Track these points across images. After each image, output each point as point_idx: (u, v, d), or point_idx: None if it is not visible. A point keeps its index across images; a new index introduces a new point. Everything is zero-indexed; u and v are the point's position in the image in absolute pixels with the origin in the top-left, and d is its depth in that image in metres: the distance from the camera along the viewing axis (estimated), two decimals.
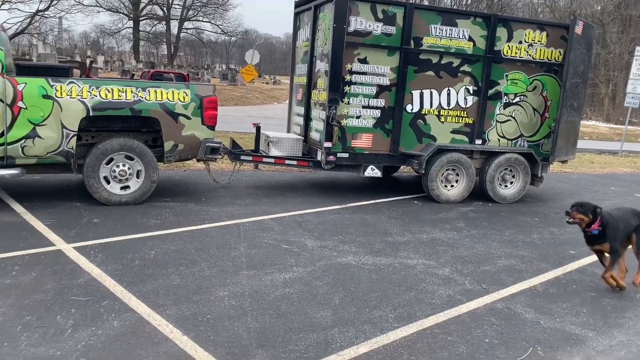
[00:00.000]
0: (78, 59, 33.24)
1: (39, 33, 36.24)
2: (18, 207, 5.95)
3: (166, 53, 58.49)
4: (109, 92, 6.02)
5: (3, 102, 5.57)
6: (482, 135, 7.81)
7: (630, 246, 4.69)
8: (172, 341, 3.32)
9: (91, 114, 5.95)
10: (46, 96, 5.75)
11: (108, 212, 5.99)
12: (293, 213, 6.56)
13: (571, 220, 4.47)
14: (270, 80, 46.90)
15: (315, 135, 7.77)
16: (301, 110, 8.27)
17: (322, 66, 7.47)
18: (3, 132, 5.61)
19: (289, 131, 8.88)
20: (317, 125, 7.65)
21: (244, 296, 4.04)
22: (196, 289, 4.12)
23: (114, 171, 6.24)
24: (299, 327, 3.60)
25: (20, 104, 5.65)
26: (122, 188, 6.32)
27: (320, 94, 7.52)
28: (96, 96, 5.96)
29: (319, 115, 7.60)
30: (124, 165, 6.27)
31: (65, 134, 5.87)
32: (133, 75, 10.72)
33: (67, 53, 40.87)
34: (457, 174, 7.74)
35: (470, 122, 7.75)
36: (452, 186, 7.76)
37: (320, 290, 4.23)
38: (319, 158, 7.41)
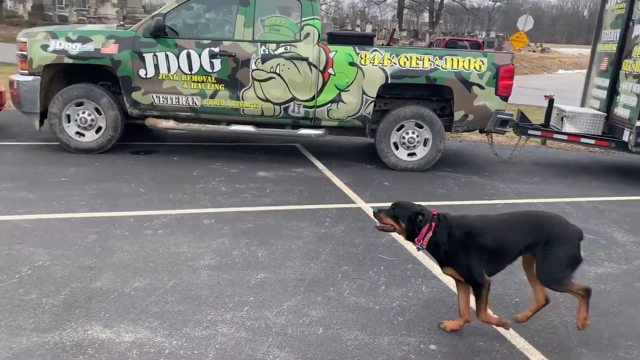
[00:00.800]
0: (349, 27, 35.70)
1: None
2: (319, 164, 6.61)
3: (427, 20, 58.76)
4: (407, 60, 6.15)
5: (317, 68, 6.16)
6: None
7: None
8: None
9: (389, 81, 6.18)
10: (352, 63, 6.15)
11: (396, 177, 6.23)
12: (590, 199, 5.86)
13: (379, 225, 2.99)
14: (537, 48, 43.21)
15: (622, 112, 6.74)
16: (604, 82, 7.25)
17: None
18: (314, 96, 6.22)
19: (583, 105, 7.93)
20: (627, 100, 6.61)
21: None
22: None
23: (404, 138, 6.43)
24: (625, 331, 3.16)
25: (330, 70, 6.17)
26: (409, 154, 6.49)
27: (636, 64, 6.44)
28: (395, 64, 6.15)
29: (631, 88, 6.54)
30: (413, 133, 6.41)
31: (364, 99, 6.22)
32: (432, 43, 10.86)
33: (339, 23, 44.21)
34: None
35: None
36: None
37: None
38: (625, 138, 6.43)
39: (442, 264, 2.97)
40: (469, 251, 2.85)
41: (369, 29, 38.99)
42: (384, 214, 2.97)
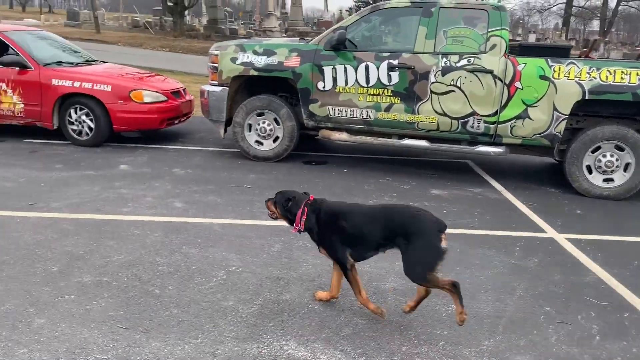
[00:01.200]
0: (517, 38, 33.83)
1: None
2: (496, 185, 6.14)
3: (597, 29, 53.56)
4: (610, 74, 5.44)
5: (502, 81, 5.71)
6: None
7: None
8: None
9: (587, 97, 5.52)
10: (543, 77, 5.60)
11: (589, 205, 5.53)
12: None
13: (269, 213, 3.25)
14: None
15: None
16: None
17: None
18: (497, 111, 5.78)
19: None
20: None
21: None
22: None
23: (599, 161, 5.70)
24: None
25: (517, 84, 5.68)
26: (604, 180, 5.74)
27: None
28: (595, 78, 5.48)
29: None
30: (611, 156, 5.66)
31: (555, 116, 5.63)
32: (639, 56, 9.78)
33: None
34: None
35: None
36: None
37: None
38: None
39: (317, 245, 3.14)
40: (332, 234, 3.01)
41: (532, 38, 36.56)
42: (270, 202, 3.22)
